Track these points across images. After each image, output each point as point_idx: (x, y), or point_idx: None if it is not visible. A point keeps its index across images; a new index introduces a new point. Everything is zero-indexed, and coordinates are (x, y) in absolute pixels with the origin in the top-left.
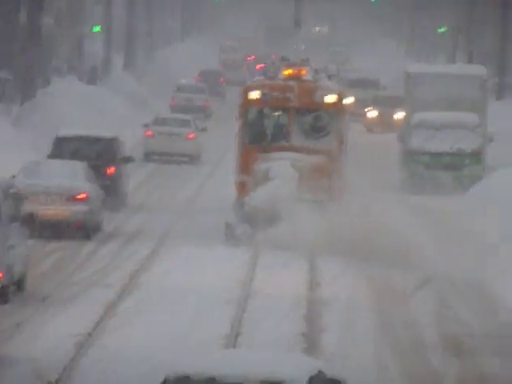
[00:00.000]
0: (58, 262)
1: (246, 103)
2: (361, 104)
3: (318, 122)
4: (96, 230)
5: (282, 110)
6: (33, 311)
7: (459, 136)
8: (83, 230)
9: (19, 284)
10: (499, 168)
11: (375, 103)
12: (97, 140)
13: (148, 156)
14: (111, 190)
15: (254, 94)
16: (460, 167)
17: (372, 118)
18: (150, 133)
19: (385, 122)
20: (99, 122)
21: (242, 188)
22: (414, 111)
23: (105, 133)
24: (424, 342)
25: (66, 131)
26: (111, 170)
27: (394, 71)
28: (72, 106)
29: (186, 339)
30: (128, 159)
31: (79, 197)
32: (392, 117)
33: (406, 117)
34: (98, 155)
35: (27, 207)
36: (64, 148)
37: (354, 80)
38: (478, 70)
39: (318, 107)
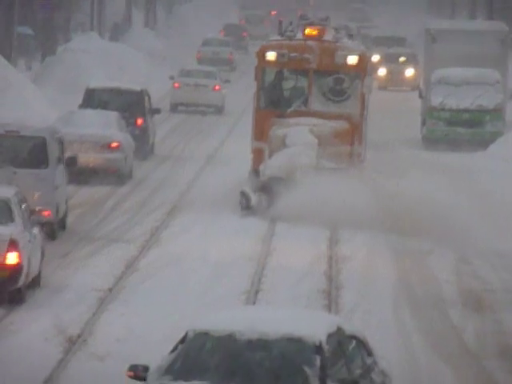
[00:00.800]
0: (87, 210)
1: (263, 64)
2: (389, 62)
3: (339, 84)
4: (127, 176)
5: (300, 72)
6: (54, 267)
7: (480, 92)
8: (116, 176)
9: (61, 222)
10: None
11: (386, 61)
12: (126, 92)
13: (174, 107)
14: (140, 139)
15: (271, 55)
16: (481, 124)
17: (383, 76)
18: (177, 84)
19: (396, 79)
20: (120, 77)
21: (258, 155)
22: (434, 68)
23: (133, 85)
24: (443, 298)
25: (96, 83)
26: (140, 120)
27: (414, 28)
28: (93, 62)
29: (207, 295)
30: (155, 111)
31: (113, 145)
32: (403, 73)
33: (426, 73)
34: (127, 106)
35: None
36: (94, 99)
37: (380, 38)
38: (499, 26)
39: (339, 69)
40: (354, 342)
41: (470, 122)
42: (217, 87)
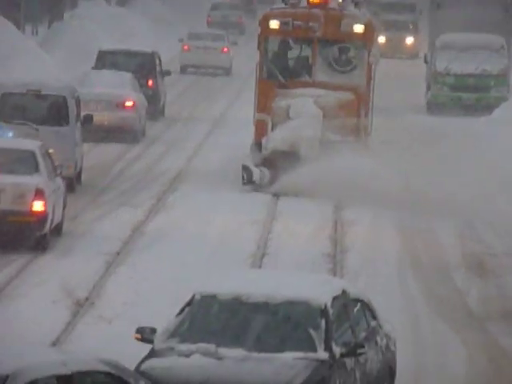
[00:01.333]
0: (100, 169)
1: (266, 33)
2: (396, 29)
3: (345, 54)
4: (141, 134)
5: (304, 41)
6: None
7: (484, 57)
8: (131, 134)
9: (78, 177)
10: None
11: (385, 28)
12: (137, 54)
13: (184, 68)
14: (151, 100)
15: (275, 23)
16: (485, 88)
17: (382, 43)
18: (186, 47)
19: (395, 47)
20: (127, 42)
21: (261, 127)
22: (439, 33)
23: (144, 48)
24: (447, 262)
25: (108, 45)
26: (151, 82)
27: None
28: (99, 28)
29: (213, 259)
30: (166, 73)
31: (127, 104)
32: (402, 41)
33: (431, 39)
34: (139, 68)
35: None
36: (107, 61)
37: (388, 4)
38: None
39: (345, 38)
40: (359, 305)
41: (474, 87)
42: (225, 49)
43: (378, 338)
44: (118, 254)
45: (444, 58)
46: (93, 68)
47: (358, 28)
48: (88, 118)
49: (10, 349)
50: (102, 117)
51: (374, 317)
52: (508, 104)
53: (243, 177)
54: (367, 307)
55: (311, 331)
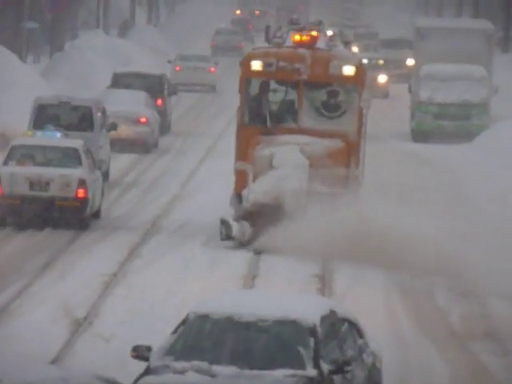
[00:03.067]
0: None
1: (248, 75)
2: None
3: (333, 98)
4: (154, 146)
5: (290, 84)
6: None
7: (466, 87)
8: (144, 146)
9: (105, 174)
10: (504, 118)
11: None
12: (148, 76)
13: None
14: (160, 117)
15: (257, 64)
16: (467, 117)
17: None
18: (178, 67)
19: (373, 85)
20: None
21: (241, 178)
22: (422, 64)
23: (154, 70)
24: (430, 284)
25: (122, 68)
26: (159, 101)
27: (403, 26)
28: (99, 57)
29: (206, 280)
30: (172, 92)
31: (141, 120)
32: (375, 80)
33: (415, 69)
34: (149, 88)
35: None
36: (120, 82)
37: (387, 40)
38: (484, 24)
39: (334, 81)
40: (346, 324)
41: (456, 116)
42: (212, 69)
43: (365, 356)
44: (115, 274)
45: (427, 88)
46: (108, 88)
47: (348, 70)
48: (113, 126)
49: (12, 366)
50: (119, 131)
51: (361, 335)
52: (488, 132)
53: (221, 232)
54: (354, 326)
55: (300, 349)
